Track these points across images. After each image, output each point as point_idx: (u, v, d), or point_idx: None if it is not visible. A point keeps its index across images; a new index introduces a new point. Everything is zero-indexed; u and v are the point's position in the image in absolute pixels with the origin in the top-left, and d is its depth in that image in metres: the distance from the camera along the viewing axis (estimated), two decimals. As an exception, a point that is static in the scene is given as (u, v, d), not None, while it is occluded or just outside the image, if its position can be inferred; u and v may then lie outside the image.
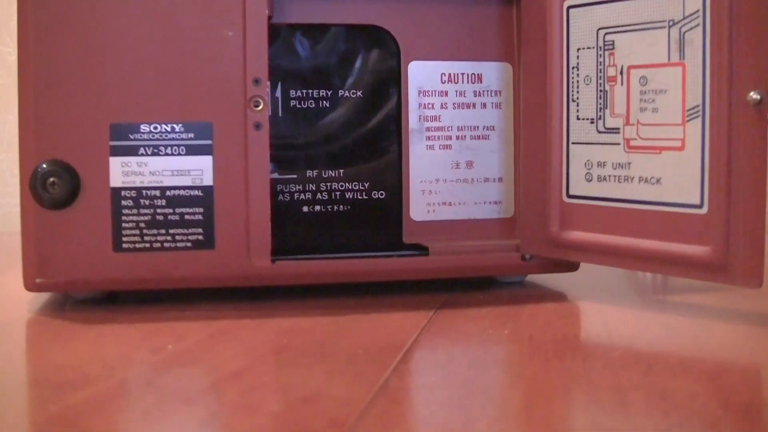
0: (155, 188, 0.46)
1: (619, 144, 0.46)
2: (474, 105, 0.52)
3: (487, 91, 0.52)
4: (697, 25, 0.42)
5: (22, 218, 0.46)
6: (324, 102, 0.50)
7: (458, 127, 0.51)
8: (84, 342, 0.41)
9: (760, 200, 0.40)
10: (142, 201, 0.46)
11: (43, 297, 0.51)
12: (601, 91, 0.46)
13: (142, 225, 0.46)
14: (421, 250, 0.50)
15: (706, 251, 0.42)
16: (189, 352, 0.39)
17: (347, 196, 0.51)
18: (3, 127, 0.93)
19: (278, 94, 0.49)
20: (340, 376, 0.36)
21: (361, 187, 0.51)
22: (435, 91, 0.51)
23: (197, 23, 0.46)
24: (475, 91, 0.52)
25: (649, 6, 0.44)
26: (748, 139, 0.40)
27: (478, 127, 0.52)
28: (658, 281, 0.57)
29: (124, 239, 0.46)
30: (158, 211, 0.46)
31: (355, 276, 0.49)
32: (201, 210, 0.47)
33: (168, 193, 0.46)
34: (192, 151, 0.46)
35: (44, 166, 0.45)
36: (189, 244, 0.47)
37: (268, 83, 0.47)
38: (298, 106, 0.50)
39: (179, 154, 0.46)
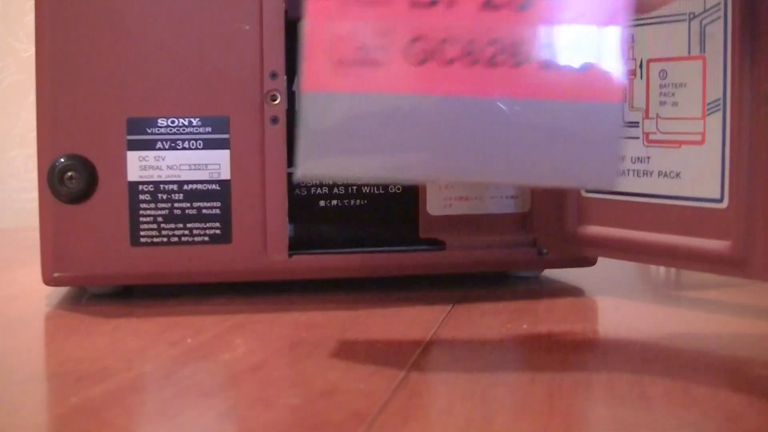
0: (173, 182, 0.46)
1: (638, 138, 0.45)
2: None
3: None
4: (718, 17, 0.41)
5: (39, 213, 0.46)
6: (341, 96, 0.50)
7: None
8: (102, 335, 0.41)
9: (780, 194, 0.40)
10: (159, 195, 0.46)
11: (61, 291, 0.51)
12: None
13: (159, 219, 0.46)
14: (437, 244, 0.50)
15: (726, 246, 0.41)
16: (207, 345, 0.39)
17: (364, 191, 0.51)
18: (17, 122, 0.94)
19: (295, 88, 0.49)
20: (359, 370, 0.35)
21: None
22: None
23: (214, 17, 0.46)
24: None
25: (669, -1, 0.43)
26: (769, 133, 0.40)
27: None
28: (672, 276, 0.57)
29: (142, 233, 0.46)
30: (176, 205, 0.46)
31: (371, 270, 0.49)
32: (218, 204, 0.46)
33: (185, 187, 0.46)
34: (209, 145, 0.46)
35: (62, 160, 0.45)
36: (206, 239, 0.47)
37: (285, 77, 0.47)
38: (314, 100, 0.49)
39: (196, 148, 0.46)
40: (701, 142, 0.43)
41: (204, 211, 0.46)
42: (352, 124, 0.35)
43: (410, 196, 0.51)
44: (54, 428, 0.30)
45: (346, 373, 0.35)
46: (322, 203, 0.50)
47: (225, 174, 0.46)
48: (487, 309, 0.46)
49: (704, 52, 0.42)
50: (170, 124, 0.46)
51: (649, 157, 0.45)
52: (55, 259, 0.46)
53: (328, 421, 0.30)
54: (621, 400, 0.32)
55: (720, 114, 0.42)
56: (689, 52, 0.43)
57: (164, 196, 0.46)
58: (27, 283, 0.54)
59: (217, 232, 0.47)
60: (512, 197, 0.52)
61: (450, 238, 0.50)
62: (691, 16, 0.43)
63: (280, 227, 0.47)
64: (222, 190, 0.46)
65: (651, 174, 0.45)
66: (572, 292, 0.51)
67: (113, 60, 0.46)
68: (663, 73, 0.44)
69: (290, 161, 0.47)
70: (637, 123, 0.45)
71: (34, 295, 0.50)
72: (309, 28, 0.35)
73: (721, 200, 0.42)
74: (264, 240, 0.47)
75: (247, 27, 0.46)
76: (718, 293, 0.50)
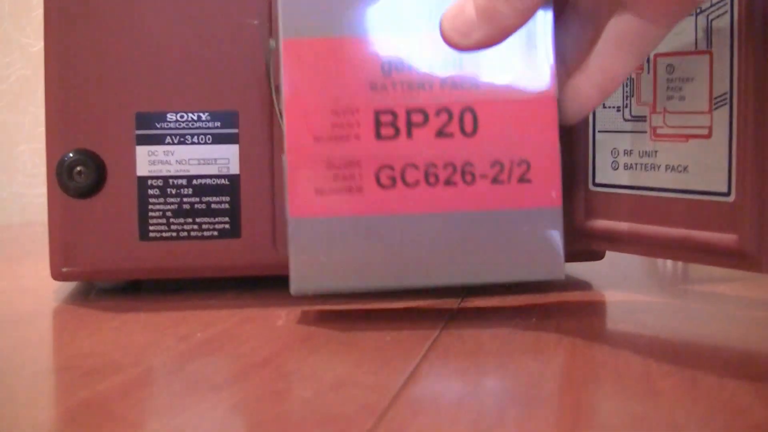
0: (182, 177, 0.46)
1: (645, 132, 0.45)
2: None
3: None
4: (725, 12, 0.41)
5: (48, 207, 0.46)
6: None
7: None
8: (111, 330, 0.42)
9: (788, 188, 0.40)
10: (168, 190, 0.46)
11: (69, 286, 0.52)
12: (627, 79, 0.46)
13: (168, 214, 0.46)
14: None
15: (734, 239, 0.42)
16: (216, 339, 0.40)
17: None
18: (24, 117, 0.94)
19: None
20: (368, 364, 0.36)
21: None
22: None
23: (223, 12, 0.46)
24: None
25: (676, -7, 0.43)
26: (777, 127, 0.40)
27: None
28: (679, 271, 0.57)
29: (151, 228, 0.46)
30: (185, 200, 0.46)
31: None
32: (227, 199, 0.47)
33: (195, 181, 0.46)
34: (218, 139, 0.46)
35: (71, 155, 0.46)
36: (215, 233, 0.47)
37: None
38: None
39: (206, 143, 0.46)
40: (708, 136, 0.43)
41: (213, 205, 0.47)
42: (336, 244, 0.40)
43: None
44: (63, 422, 0.30)
45: (357, 367, 0.35)
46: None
47: (234, 169, 0.47)
48: (496, 302, 0.46)
49: (711, 46, 0.42)
50: (179, 118, 0.46)
51: (656, 152, 0.45)
52: (64, 254, 0.46)
53: (339, 414, 0.30)
54: (630, 394, 0.32)
55: (727, 108, 0.42)
56: (696, 47, 0.43)
57: (173, 191, 0.46)
58: (35, 278, 0.54)
59: (226, 226, 0.47)
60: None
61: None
62: (698, 10, 0.43)
63: (289, 222, 0.47)
64: (231, 185, 0.47)
65: (658, 168, 0.45)
66: (580, 286, 0.51)
67: (122, 55, 0.46)
68: (670, 68, 0.44)
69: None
70: (644, 117, 0.45)
71: (42, 289, 0.51)
72: (290, 163, 0.40)
73: (728, 194, 0.42)
74: (273, 234, 0.47)
75: (256, 22, 0.46)
76: (726, 287, 0.50)
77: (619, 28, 0.40)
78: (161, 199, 0.46)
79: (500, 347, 0.38)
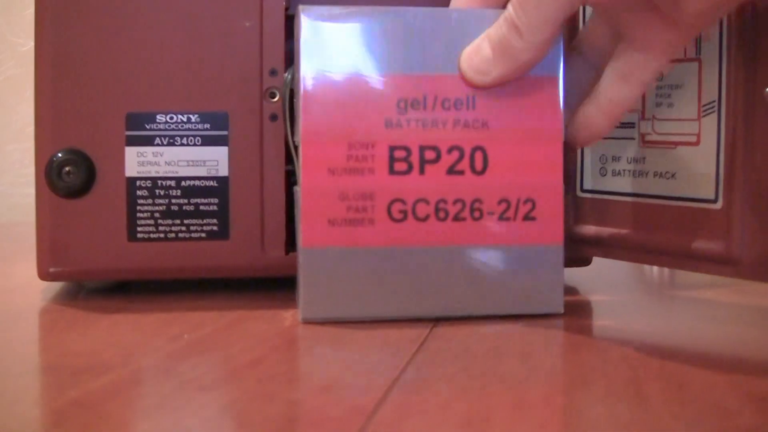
0: (171, 178, 0.46)
1: (634, 138, 0.46)
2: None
3: None
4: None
5: (36, 207, 0.46)
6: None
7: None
8: (100, 330, 0.41)
9: (775, 195, 0.40)
10: (157, 191, 0.46)
11: (56, 286, 0.51)
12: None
13: (156, 215, 0.46)
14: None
15: (721, 246, 0.42)
16: (205, 340, 0.40)
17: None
18: (14, 116, 0.94)
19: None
20: (357, 366, 0.36)
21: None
22: None
23: (214, 13, 0.46)
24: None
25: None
26: (764, 135, 0.40)
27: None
28: (666, 276, 0.57)
29: (139, 229, 0.46)
30: (173, 201, 0.46)
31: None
32: (216, 200, 0.47)
33: (183, 183, 0.46)
34: (208, 141, 0.46)
35: (60, 154, 0.46)
36: (203, 235, 0.47)
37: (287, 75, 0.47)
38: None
39: (195, 145, 0.46)
40: (697, 143, 0.43)
41: (201, 207, 0.47)
42: (346, 274, 0.42)
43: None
44: (52, 422, 0.30)
45: (346, 369, 0.35)
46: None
47: (223, 171, 0.47)
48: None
49: (700, 54, 0.42)
50: (169, 120, 0.46)
51: (644, 158, 0.45)
52: (52, 254, 0.46)
53: (328, 416, 0.30)
54: (617, 398, 0.32)
55: (715, 115, 0.42)
56: (685, 54, 0.43)
57: (162, 192, 0.46)
58: (22, 277, 0.54)
59: (215, 228, 0.47)
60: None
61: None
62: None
63: (278, 224, 0.47)
64: (220, 187, 0.47)
65: (647, 174, 0.45)
66: (567, 291, 0.51)
67: (113, 55, 0.46)
68: (659, 75, 0.44)
69: (288, 159, 0.47)
70: (633, 124, 0.46)
71: (30, 289, 0.50)
72: (304, 194, 0.41)
73: (715, 201, 0.42)
74: (262, 236, 0.47)
75: (248, 24, 0.46)
76: (712, 293, 0.50)
77: (622, 62, 0.41)
78: (150, 200, 0.46)
79: (488, 351, 0.38)
